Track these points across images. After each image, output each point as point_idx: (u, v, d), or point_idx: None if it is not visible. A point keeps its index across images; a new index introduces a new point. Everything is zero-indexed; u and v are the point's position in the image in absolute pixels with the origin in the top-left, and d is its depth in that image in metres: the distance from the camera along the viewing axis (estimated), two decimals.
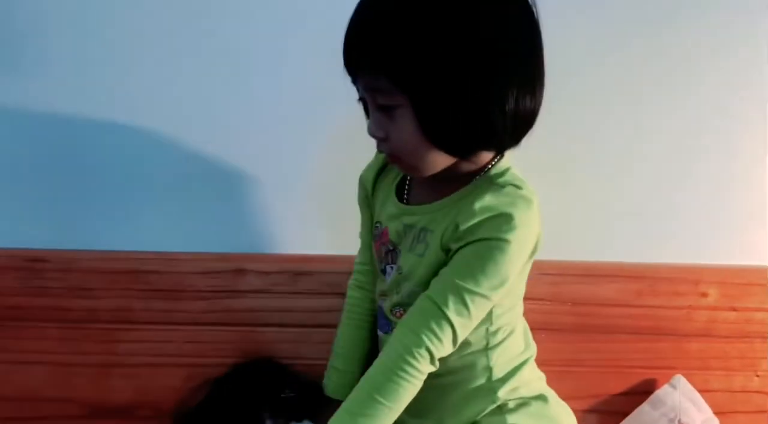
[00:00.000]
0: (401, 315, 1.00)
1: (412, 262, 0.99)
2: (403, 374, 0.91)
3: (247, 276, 1.26)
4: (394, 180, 1.06)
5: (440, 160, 0.93)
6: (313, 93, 1.24)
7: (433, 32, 0.84)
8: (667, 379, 1.25)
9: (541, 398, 1.04)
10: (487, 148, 0.94)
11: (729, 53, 1.26)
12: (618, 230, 1.31)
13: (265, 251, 1.30)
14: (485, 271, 0.91)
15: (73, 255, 1.27)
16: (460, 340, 0.94)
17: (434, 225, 0.96)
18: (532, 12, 0.90)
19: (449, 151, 0.91)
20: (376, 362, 0.95)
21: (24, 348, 1.26)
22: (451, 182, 0.97)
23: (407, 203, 1.02)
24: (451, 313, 0.91)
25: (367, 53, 0.88)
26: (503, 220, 0.90)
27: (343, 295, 1.17)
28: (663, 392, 1.23)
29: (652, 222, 1.31)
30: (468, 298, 0.91)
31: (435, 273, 0.95)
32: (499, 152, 0.96)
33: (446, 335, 0.92)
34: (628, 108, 1.28)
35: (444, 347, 0.93)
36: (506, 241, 0.90)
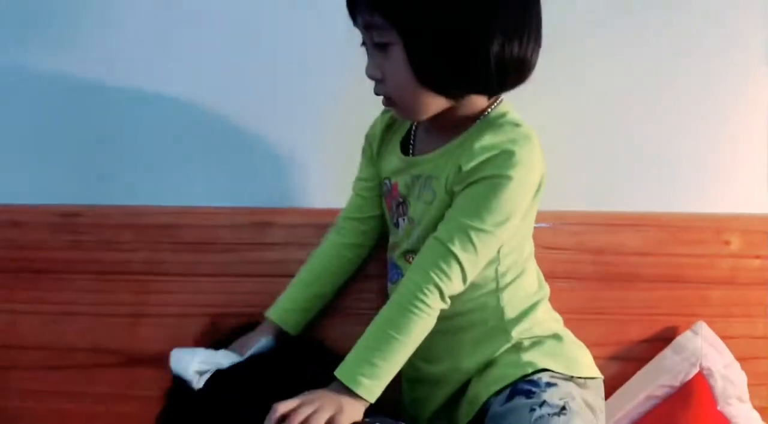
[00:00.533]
0: (413, 260, 1.02)
1: (421, 209, 1.02)
2: (414, 309, 0.94)
3: (273, 229, 1.28)
4: (399, 137, 1.09)
5: (432, 103, 0.95)
6: (343, 47, 1.26)
7: None
8: (689, 326, 1.25)
9: (555, 336, 1.05)
10: (475, 91, 0.96)
11: None
12: (640, 179, 1.31)
13: (291, 205, 1.33)
14: (489, 207, 0.94)
15: (105, 210, 1.31)
16: (469, 277, 0.96)
17: (438, 171, 0.99)
18: None
19: (436, 90, 0.94)
20: (389, 302, 0.97)
21: (59, 299, 1.29)
22: (452, 129, 0.99)
23: (413, 156, 1.05)
24: (457, 250, 0.94)
25: None
26: (505, 156, 0.93)
27: None
28: (684, 337, 1.23)
29: (674, 172, 1.31)
30: (474, 235, 0.94)
31: (443, 217, 0.98)
32: (489, 96, 0.98)
33: (454, 271, 0.94)
34: (648, 61, 1.28)
35: (453, 284, 0.95)
36: (508, 177, 0.93)
